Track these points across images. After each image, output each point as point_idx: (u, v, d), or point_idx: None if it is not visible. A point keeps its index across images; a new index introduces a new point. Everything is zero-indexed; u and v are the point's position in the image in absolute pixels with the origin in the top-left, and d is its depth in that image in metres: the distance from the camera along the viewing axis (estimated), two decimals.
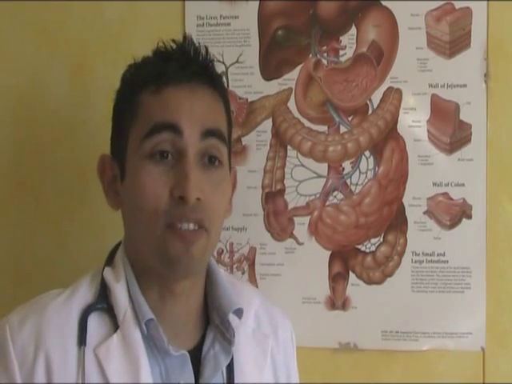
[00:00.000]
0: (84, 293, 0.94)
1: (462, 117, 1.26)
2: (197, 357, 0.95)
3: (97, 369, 0.89)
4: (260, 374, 1.00)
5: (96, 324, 0.91)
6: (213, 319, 0.98)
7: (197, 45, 0.98)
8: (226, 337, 0.96)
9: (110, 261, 0.99)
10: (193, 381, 0.92)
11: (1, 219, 1.35)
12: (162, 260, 0.91)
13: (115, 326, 0.91)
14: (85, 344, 0.89)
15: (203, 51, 0.98)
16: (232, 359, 0.96)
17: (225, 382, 0.95)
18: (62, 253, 1.34)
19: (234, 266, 1.32)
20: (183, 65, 0.94)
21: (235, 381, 0.96)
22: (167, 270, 0.92)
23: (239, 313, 0.98)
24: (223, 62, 1.30)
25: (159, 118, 0.91)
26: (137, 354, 0.90)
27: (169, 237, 0.90)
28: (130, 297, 0.93)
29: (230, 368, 0.96)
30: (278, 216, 1.31)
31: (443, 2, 1.25)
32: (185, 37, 0.98)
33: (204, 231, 0.92)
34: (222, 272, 1.03)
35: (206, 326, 0.98)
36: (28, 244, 1.34)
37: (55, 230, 1.33)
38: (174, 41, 0.98)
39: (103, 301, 0.93)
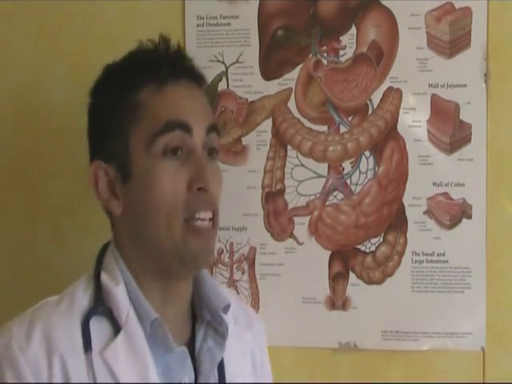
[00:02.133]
0: (81, 298, 0.95)
1: (462, 117, 1.26)
2: (190, 352, 0.97)
3: (107, 372, 0.89)
4: (244, 366, 1.04)
5: (98, 328, 0.92)
6: (202, 316, 1.00)
7: (173, 43, 1.01)
8: (219, 331, 0.99)
9: (99, 265, 0.99)
10: (193, 375, 0.95)
11: (1, 219, 1.35)
12: (182, 258, 0.93)
13: (116, 328, 0.92)
14: (91, 349, 0.90)
15: (181, 49, 1.02)
16: None
17: (216, 375, 0.98)
18: (61, 253, 1.34)
19: (234, 266, 1.32)
20: (176, 63, 0.98)
21: (226, 372, 0.98)
22: (186, 266, 0.94)
23: (226, 309, 1.01)
24: (223, 62, 1.30)
25: (171, 116, 0.93)
26: (143, 353, 0.91)
27: (188, 235, 0.92)
28: (131, 299, 0.94)
29: (221, 361, 0.99)
30: (278, 216, 1.31)
31: (443, 2, 1.25)
32: (164, 37, 1.00)
33: (215, 223, 0.97)
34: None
35: (193, 323, 1.01)
36: (28, 244, 1.34)
37: (55, 230, 1.34)
38: (151, 41, 1.00)
39: (101, 305, 0.94)
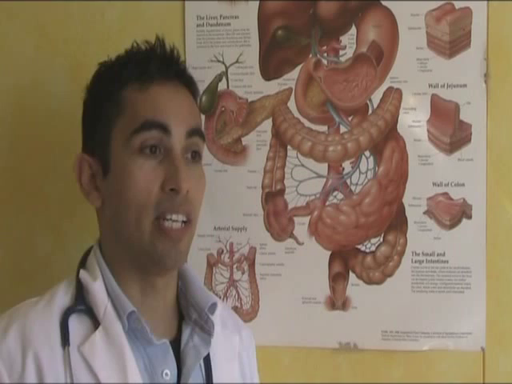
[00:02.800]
0: (61, 298, 0.96)
1: (462, 117, 1.26)
2: (176, 348, 0.97)
3: (84, 366, 0.90)
4: (231, 367, 1.04)
5: (77, 324, 0.93)
6: (189, 314, 1.01)
7: (168, 46, 1.02)
8: (205, 328, 0.99)
9: (83, 263, 1.01)
10: (175, 368, 0.96)
11: (1, 219, 1.35)
12: (150, 256, 0.94)
13: (96, 324, 0.93)
14: (68, 344, 0.90)
15: (176, 52, 1.03)
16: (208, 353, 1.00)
17: (203, 373, 0.99)
18: (61, 253, 1.34)
19: (234, 266, 1.32)
20: (165, 64, 0.99)
21: (212, 364, 0.99)
22: (155, 265, 0.95)
23: (212, 309, 1.01)
24: (223, 62, 1.30)
25: (149, 115, 0.95)
26: (121, 346, 0.92)
27: (156, 235, 0.93)
28: (109, 294, 0.95)
29: (207, 360, 1.00)
30: (277, 216, 1.31)
31: (443, 2, 1.25)
32: (157, 37, 1.02)
33: (189, 226, 0.97)
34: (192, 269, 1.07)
35: (180, 321, 1.01)
36: (28, 244, 1.34)
37: (55, 230, 1.34)
38: (147, 41, 1.02)
39: (81, 303, 0.95)
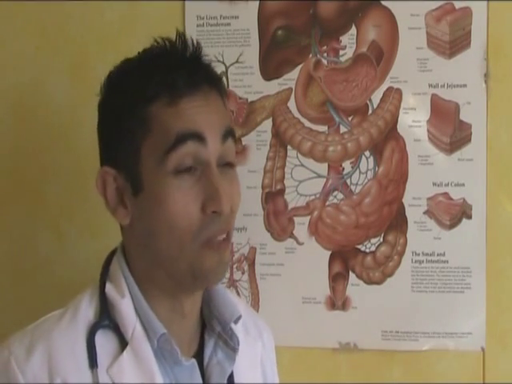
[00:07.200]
0: (86, 312, 0.91)
1: (462, 117, 1.26)
2: (199, 361, 0.94)
3: None
4: (254, 377, 1.01)
5: (103, 343, 0.89)
6: (213, 327, 0.97)
7: (191, 42, 0.92)
8: (230, 344, 0.95)
9: (105, 274, 0.95)
10: None
11: (1, 219, 1.35)
12: (194, 274, 0.89)
13: (122, 342, 0.89)
14: (97, 366, 0.87)
15: (199, 47, 0.93)
16: None
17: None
18: (61, 253, 1.34)
19: (234, 266, 1.32)
20: (192, 72, 0.90)
21: (235, 381, 0.95)
22: (198, 282, 0.90)
23: (237, 320, 0.97)
24: (223, 62, 1.30)
25: (181, 128, 0.87)
26: (150, 368, 0.88)
27: (203, 254, 0.88)
28: (137, 312, 0.91)
29: (231, 373, 0.96)
30: (278, 216, 1.31)
31: (443, 2, 1.25)
32: (178, 33, 0.92)
33: (229, 239, 0.92)
34: None
35: (202, 334, 0.97)
36: (28, 244, 1.34)
37: (55, 230, 1.34)
38: (167, 39, 0.92)
39: (106, 318, 0.90)
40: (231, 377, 0.96)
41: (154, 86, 0.88)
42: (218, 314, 0.97)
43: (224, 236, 0.90)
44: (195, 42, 0.92)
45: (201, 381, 0.93)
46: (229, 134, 0.91)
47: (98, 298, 0.92)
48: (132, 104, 0.89)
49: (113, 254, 0.97)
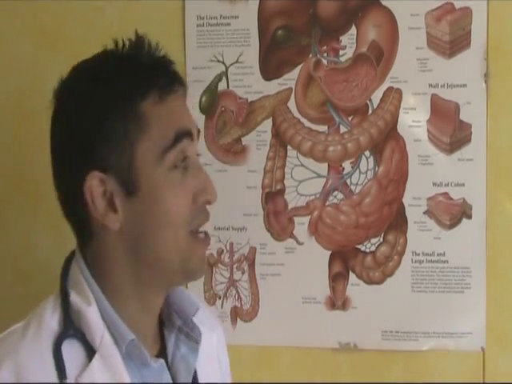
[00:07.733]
0: (49, 322, 0.89)
1: (462, 117, 1.26)
2: (163, 358, 0.94)
3: None
4: (213, 368, 1.02)
5: (71, 353, 0.87)
6: (172, 322, 0.97)
7: (152, 42, 0.92)
8: (191, 336, 0.96)
9: (65, 281, 0.93)
10: None
11: (1, 219, 1.35)
12: (183, 271, 0.90)
13: (90, 350, 0.88)
14: (66, 377, 0.86)
15: (161, 49, 0.93)
16: None
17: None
18: (61, 253, 1.33)
19: (234, 266, 1.32)
20: (168, 70, 0.92)
21: (198, 377, 0.97)
22: (184, 279, 0.94)
23: (195, 312, 0.98)
24: (223, 62, 1.30)
25: (177, 126, 0.89)
26: (120, 374, 0.88)
27: (193, 249, 0.90)
28: (103, 319, 0.89)
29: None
30: (278, 216, 1.31)
31: (443, 2, 1.25)
32: (137, 34, 0.93)
33: (208, 235, 0.94)
34: None
35: (160, 330, 0.98)
36: (28, 244, 1.34)
37: (55, 230, 1.33)
38: (129, 40, 0.93)
39: (71, 327, 0.89)
40: (195, 372, 0.96)
41: (143, 84, 0.89)
42: (177, 308, 0.98)
43: (203, 234, 0.92)
44: (154, 42, 0.93)
45: (171, 381, 0.93)
46: (199, 132, 0.95)
47: (61, 306, 0.90)
48: (121, 103, 0.88)
49: (69, 259, 0.96)
